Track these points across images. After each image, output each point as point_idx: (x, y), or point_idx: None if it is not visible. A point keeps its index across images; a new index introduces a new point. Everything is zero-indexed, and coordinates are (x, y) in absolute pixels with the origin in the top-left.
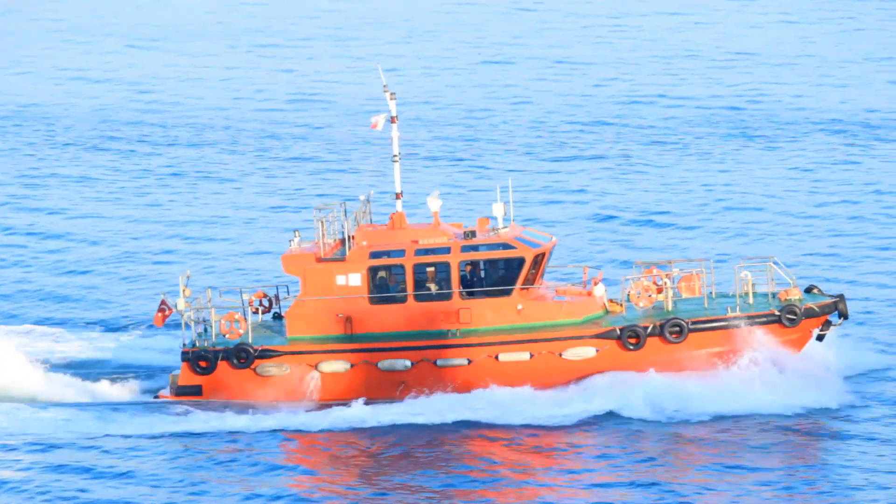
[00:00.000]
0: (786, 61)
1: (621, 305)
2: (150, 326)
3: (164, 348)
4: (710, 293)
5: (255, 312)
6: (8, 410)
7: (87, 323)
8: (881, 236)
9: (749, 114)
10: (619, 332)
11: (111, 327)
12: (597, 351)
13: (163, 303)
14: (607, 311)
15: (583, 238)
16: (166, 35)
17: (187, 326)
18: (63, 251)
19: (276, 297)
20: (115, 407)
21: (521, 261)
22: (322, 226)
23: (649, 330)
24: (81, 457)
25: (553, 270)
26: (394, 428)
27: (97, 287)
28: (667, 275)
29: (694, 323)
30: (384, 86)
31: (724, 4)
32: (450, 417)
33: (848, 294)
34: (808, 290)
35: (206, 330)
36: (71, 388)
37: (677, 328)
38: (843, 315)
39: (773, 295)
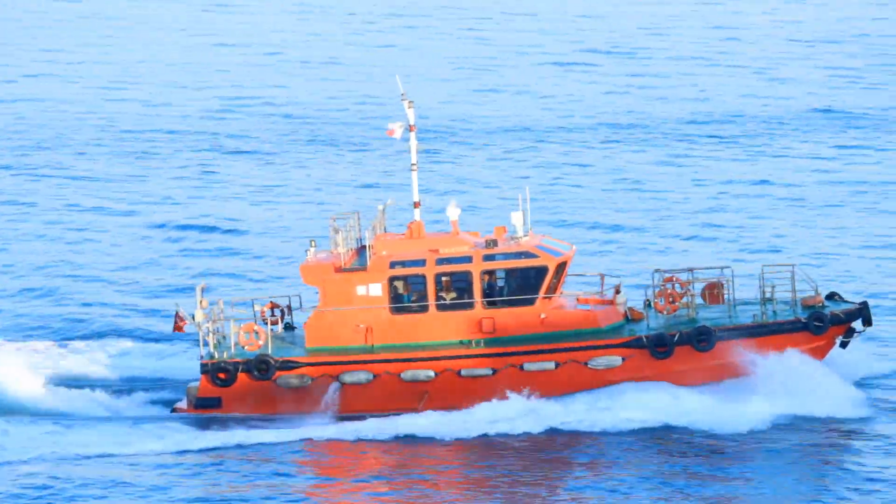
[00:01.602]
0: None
1: (642, 314)
2: (156, 339)
3: (167, 359)
4: (732, 300)
5: (268, 324)
6: (16, 427)
7: (89, 336)
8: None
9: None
10: (645, 340)
11: (113, 340)
12: (623, 360)
13: (178, 315)
14: (628, 320)
15: (595, 246)
16: (183, 39)
17: (204, 339)
18: (59, 265)
19: (289, 307)
20: (134, 421)
21: (544, 269)
22: (340, 235)
23: (677, 338)
24: (105, 473)
25: (568, 278)
26: (419, 439)
27: (99, 301)
28: (688, 282)
29: (721, 331)
30: (402, 94)
31: None
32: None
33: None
34: (830, 297)
35: (219, 342)
36: (82, 401)
37: (705, 336)
38: (867, 322)
39: (797, 301)
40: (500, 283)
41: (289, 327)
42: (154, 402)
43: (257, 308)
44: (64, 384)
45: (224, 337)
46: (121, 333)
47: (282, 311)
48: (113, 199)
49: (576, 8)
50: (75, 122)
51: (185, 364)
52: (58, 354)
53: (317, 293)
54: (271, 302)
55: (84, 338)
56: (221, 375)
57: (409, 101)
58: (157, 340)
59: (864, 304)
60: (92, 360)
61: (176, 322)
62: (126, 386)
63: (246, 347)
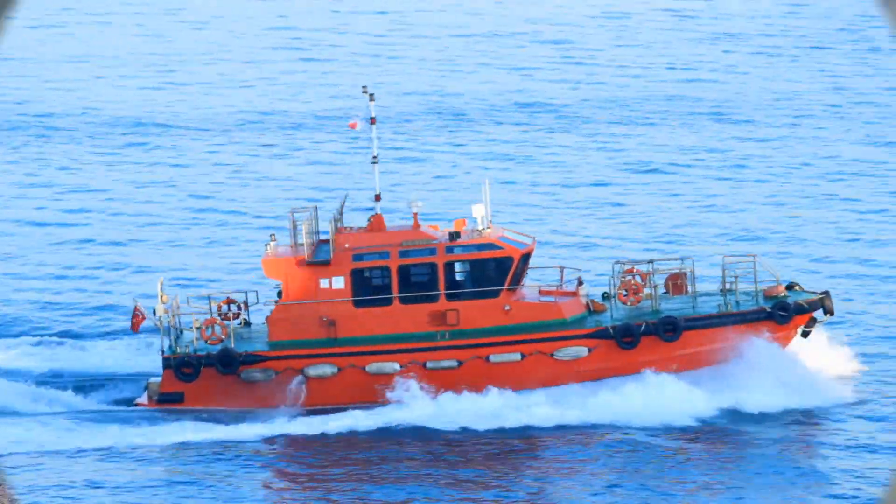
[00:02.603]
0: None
1: (604, 305)
2: (108, 335)
3: (116, 356)
4: (695, 291)
5: (231, 318)
6: None
7: (39, 333)
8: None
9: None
10: (612, 330)
11: (65, 336)
12: (589, 350)
13: (136, 310)
14: (591, 311)
15: (551, 239)
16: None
17: (165, 333)
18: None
19: (245, 303)
20: (93, 417)
21: (508, 261)
22: (304, 229)
23: (643, 328)
24: (65, 470)
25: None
26: (386, 433)
27: (46, 299)
28: (649, 273)
29: (688, 321)
30: (363, 87)
31: None
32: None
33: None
34: (790, 287)
35: (178, 337)
36: (35, 399)
37: (672, 326)
38: (829, 311)
39: (759, 292)
40: (464, 275)
41: (245, 324)
42: (110, 400)
43: (214, 304)
44: (14, 382)
45: (182, 332)
46: (69, 330)
47: (238, 307)
48: (61, 190)
49: None
50: None
51: (136, 361)
52: (8, 352)
53: (274, 288)
54: (227, 297)
55: (33, 335)
56: (185, 370)
57: (371, 95)
58: (109, 336)
59: (826, 293)
60: (41, 356)
61: (133, 319)
62: (79, 382)
63: (208, 342)
